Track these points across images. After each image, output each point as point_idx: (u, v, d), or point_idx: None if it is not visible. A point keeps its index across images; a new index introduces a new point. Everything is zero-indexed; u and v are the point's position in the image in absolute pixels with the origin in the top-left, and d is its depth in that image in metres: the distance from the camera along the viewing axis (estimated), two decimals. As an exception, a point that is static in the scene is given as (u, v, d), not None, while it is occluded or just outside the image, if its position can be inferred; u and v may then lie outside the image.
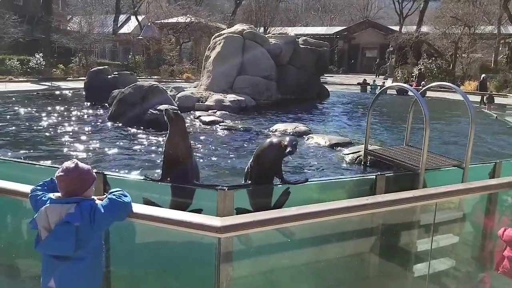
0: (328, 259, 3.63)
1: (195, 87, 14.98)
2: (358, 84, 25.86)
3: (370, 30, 48.59)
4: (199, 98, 12.38)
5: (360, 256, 3.87)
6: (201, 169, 4.59)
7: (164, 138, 4.50)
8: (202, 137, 8.12)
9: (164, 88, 10.48)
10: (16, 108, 11.86)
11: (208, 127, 9.26)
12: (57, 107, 12.14)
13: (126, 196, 2.53)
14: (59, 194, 2.43)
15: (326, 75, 29.07)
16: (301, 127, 8.81)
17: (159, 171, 4.30)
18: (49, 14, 32.04)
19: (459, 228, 4.32)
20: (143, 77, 25.06)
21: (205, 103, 11.86)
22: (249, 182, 3.99)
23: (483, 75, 23.00)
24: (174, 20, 36.40)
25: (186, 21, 35.03)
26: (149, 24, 35.37)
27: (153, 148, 7.01)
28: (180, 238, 3.07)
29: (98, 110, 11.42)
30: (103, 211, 2.38)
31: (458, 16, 30.84)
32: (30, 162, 4.70)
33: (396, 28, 44.19)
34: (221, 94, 12.55)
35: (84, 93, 13.73)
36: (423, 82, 23.39)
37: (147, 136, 7.96)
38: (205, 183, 4.04)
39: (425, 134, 4.45)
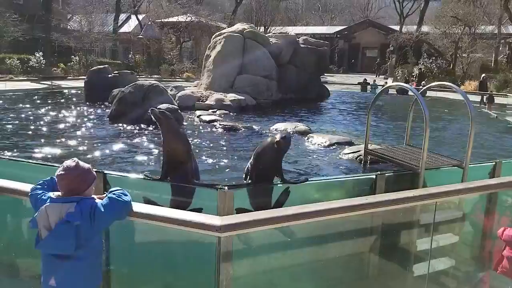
0: (328, 258, 3.63)
1: (195, 86, 14.99)
2: (359, 83, 25.86)
3: (370, 30, 48.60)
4: (200, 97, 12.38)
5: (360, 256, 3.87)
6: (201, 168, 4.58)
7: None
8: (202, 136, 8.13)
9: (164, 87, 10.48)
10: (16, 107, 11.86)
11: (209, 126, 9.26)
12: (57, 106, 12.13)
13: (126, 195, 2.53)
14: (59, 193, 2.43)
15: (327, 74, 29.08)
16: (301, 126, 8.81)
17: (159, 170, 4.30)
18: (49, 13, 32.02)
19: (459, 228, 4.32)
20: (143, 76, 25.04)
21: (206, 103, 11.86)
22: (249, 181, 3.99)
23: (483, 75, 23.01)
24: (174, 19, 36.40)
25: (187, 20, 35.03)
26: (150, 23, 35.33)
27: (153, 147, 7.01)
28: (180, 237, 3.07)
29: (98, 109, 11.42)
30: (103, 210, 2.38)
31: (459, 16, 30.83)
32: (30, 161, 4.70)
33: (397, 27, 44.19)
34: (221, 93, 12.56)
35: (84, 92, 13.72)
36: (423, 82, 23.40)
37: (147, 135, 7.97)
38: (205, 183, 4.04)
39: (425, 133, 4.45)
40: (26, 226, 3.38)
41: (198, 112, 10.72)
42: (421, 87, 15.29)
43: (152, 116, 3.78)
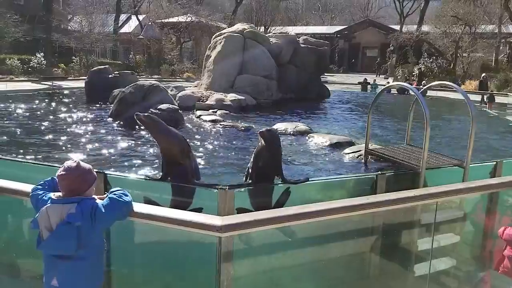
0: (328, 258, 3.63)
1: (195, 86, 14.97)
2: (359, 83, 25.86)
3: (370, 30, 48.58)
4: (200, 97, 12.37)
5: (360, 256, 3.87)
6: (201, 168, 4.59)
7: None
8: (202, 136, 8.13)
9: (164, 87, 10.48)
10: (17, 107, 11.87)
11: (209, 126, 9.26)
12: (58, 107, 12.14)
13: (126, 196, 2.53)
14: (59, 194, 2.44)
15: (327, 74, 29.08)
16: (302, 126, 8.80)
17: (159, 170, 4.30)
18: (50, 13, 32.01)
19: (460, 228, 4.32)
20: (143, 77, 25.04)
21: (206, 103, 11.85)
22: (250, 181, 3.99)
23: (483, 75, 23.00)
24: (174, 19, 36.42)
25: (187, 20, 35.05)
26: (150, 23, 35.36)
27: (154, 147, 7.00)
28: (180, 237, 3.07)
29: (99, 110, 11.42)
30: (103, 211, 2.38)
31: (459, 15, 30.83)
32: (30, 161, 4.70)
33: (397, 27, 44.20)
34: (221, 93, 12.54)
35: (85, 92, 13.72)
36: (423, 81, 23.40)
37: (148, 136, 7.96)
38: (205, 183, 4.03)
39: (425, 133, 4.45)
40: (27, 227, 3.38)
41: (198, 112, 10.72)
42: (421, 86, 15.28)
43: (138, 121, 3.73)
